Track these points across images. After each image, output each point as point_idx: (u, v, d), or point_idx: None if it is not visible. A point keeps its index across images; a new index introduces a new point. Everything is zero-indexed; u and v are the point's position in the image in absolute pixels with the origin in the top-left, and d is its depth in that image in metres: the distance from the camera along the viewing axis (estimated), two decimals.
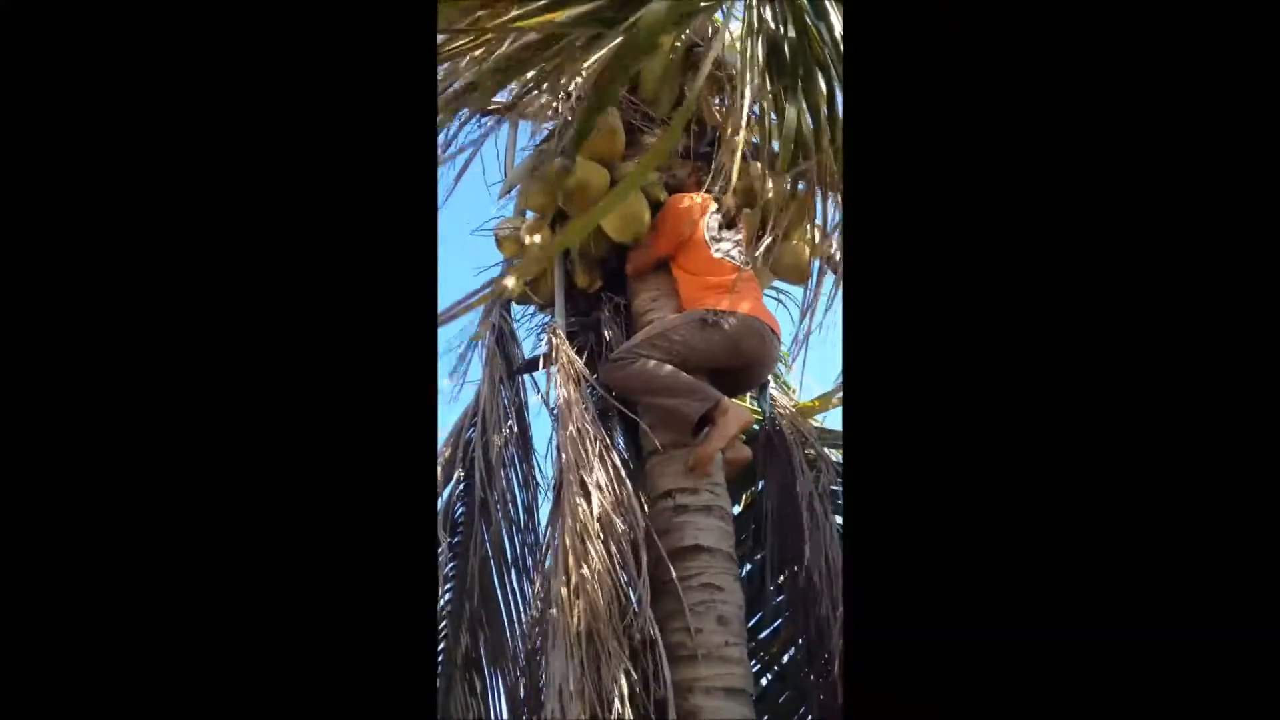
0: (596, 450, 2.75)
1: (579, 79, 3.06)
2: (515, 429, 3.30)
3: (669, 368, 2.86)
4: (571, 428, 2.79)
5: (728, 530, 2.91)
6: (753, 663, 3.03)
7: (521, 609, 3.05)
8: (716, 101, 3.43)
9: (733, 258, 3.11)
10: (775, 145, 3.16)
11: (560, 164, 3.12)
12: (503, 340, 3.49)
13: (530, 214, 3.43)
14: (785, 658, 3.56)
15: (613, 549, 2.56)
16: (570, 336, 3.14)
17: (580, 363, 3.01)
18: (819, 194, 3.12)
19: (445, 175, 3.53)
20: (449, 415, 3.55)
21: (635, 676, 2.42)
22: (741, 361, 3.01)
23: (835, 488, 3.60)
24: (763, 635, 3.57)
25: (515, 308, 3.63)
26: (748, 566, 3.52)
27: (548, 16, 1.49)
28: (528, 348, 3.56)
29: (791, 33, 1.75)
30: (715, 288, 3.00)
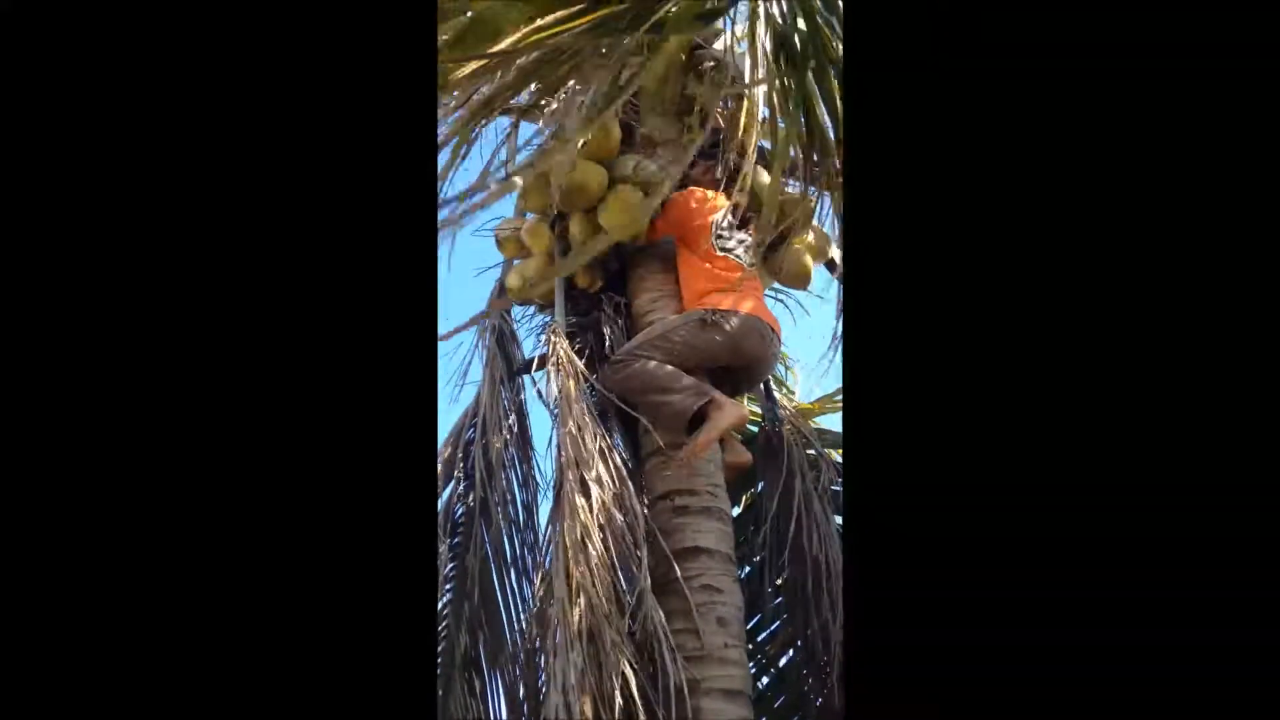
0: (596, 448, 2.75)
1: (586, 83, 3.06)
2: (515, 429, 3.30)
3: (669, 367, 2.86)
4: (571, 426, 2.79)
5: (727, 532, 2.91)
6: (751, 663, 3.03)
7: (521, 609, 3.05)
8: (720, 107, 3.44)
9: (738, 257, 3.12)
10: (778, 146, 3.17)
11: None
12: (503, 340, 3.49)
13: (530, 215, 3.44)
14: (784, 659, 3.56)
15: (613, 547, 2.55)
16: (570, 337, 3.14)
17: (580, 363, 3.01)
18: (828, 196, 3.13)
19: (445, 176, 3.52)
20: (449, 416, 3.55)
21: (637, 674, 2.42)
22: (742, 361, 3.01)
23: (835, 488, 3.60)
24: (761, 637, 3.58)
25: (515, 308, 3.63)
26: (747, 568, 3.52)
27: (564, 27, 1.49)
28: (528, 348, 3.57)
29: (802, 25, 1.75)
30: (718, 281, 3.00)
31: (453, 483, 3.21)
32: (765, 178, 3.21)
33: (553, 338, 3.07)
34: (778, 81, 1.90)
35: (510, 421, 3.28)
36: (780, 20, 1.82)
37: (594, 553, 2.50)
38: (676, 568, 2.71)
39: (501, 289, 3.58)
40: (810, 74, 1.81)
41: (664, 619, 2.56)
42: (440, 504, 3.14)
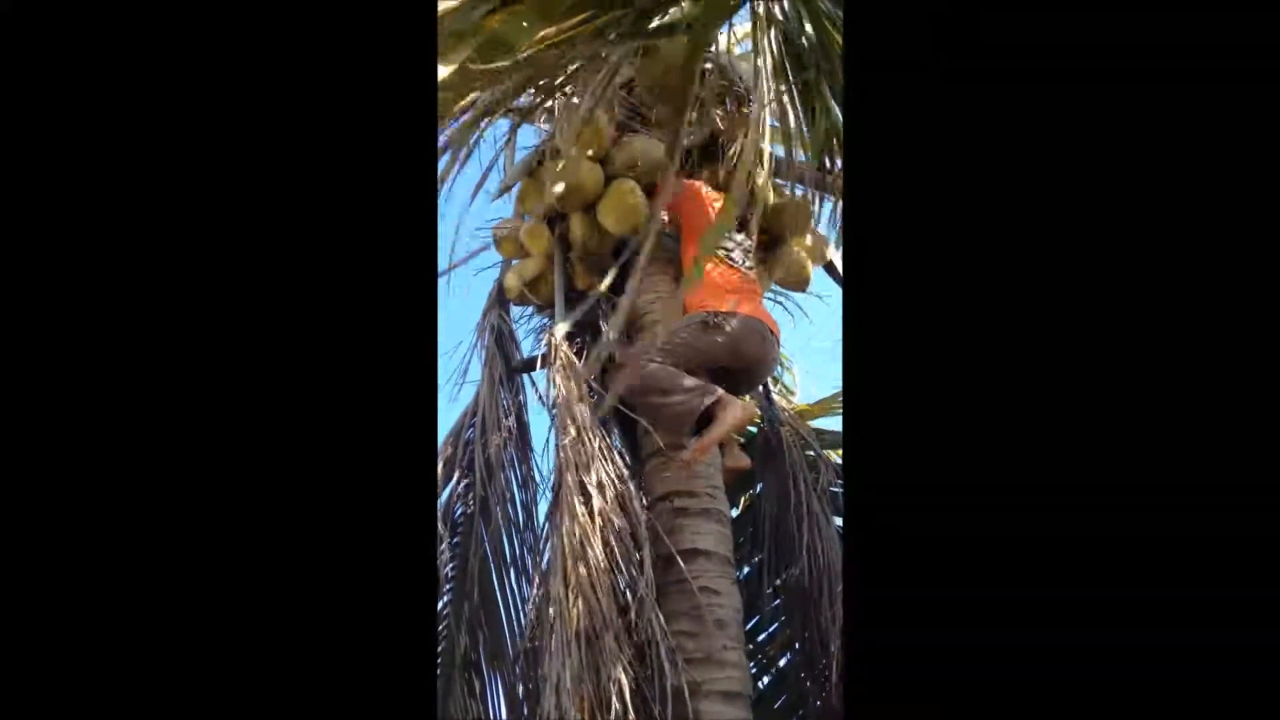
0: (596, 446, 2.75)
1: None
2: (514, 429, 3.30)
3: (670, 369, 2.87)
4: (570, 428, 2.79)
5: (726, 534, 2.92)
6: (750, 665, 3.03)
7: (521, 609, 3.05)
8: (720, 112, 3.45)
9: (733, 260, 3.12)
10: (784, 149, 3.18)
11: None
12: (501, 341, 3.49)
13: (528, 216, 3.44)
14: (783, 660, 3.56)
15: (612, 548, 2.55)
16: (568, 337, 3.14)
17: (578, 363, 3.01)
18: (828, 198, 3.14)
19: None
20: (449, 415, 3.55)
21: (634, 676, 2.42)
22: (742, 363, 3.02)
23: (834, 489, 3.60)
24: (760, 638, 3.58)
25: (514, 308, 3.64)
26: (745, 569, 3.53)
27: (573, 33, 1.50)
28: (526, 348, 3.57)
29: (809, 29, 1.76)
30: (719, 289, 3.01)
31: (452, 482, 3.21)
32: (762, 179, 3.22)
33: (553, 340, 3.07)
34: (782, 84, 1.91)
35: (509, 421, 3.28)
36: (785, 21, 1.82)
37: (593, 556, 2.50)
38: (675, 570, 2.71)
39: (500, 289, 3.59)
40: (816, 76, 1.82)
41: (663, 621, 2.56)
42: (440, 504, 3.14)
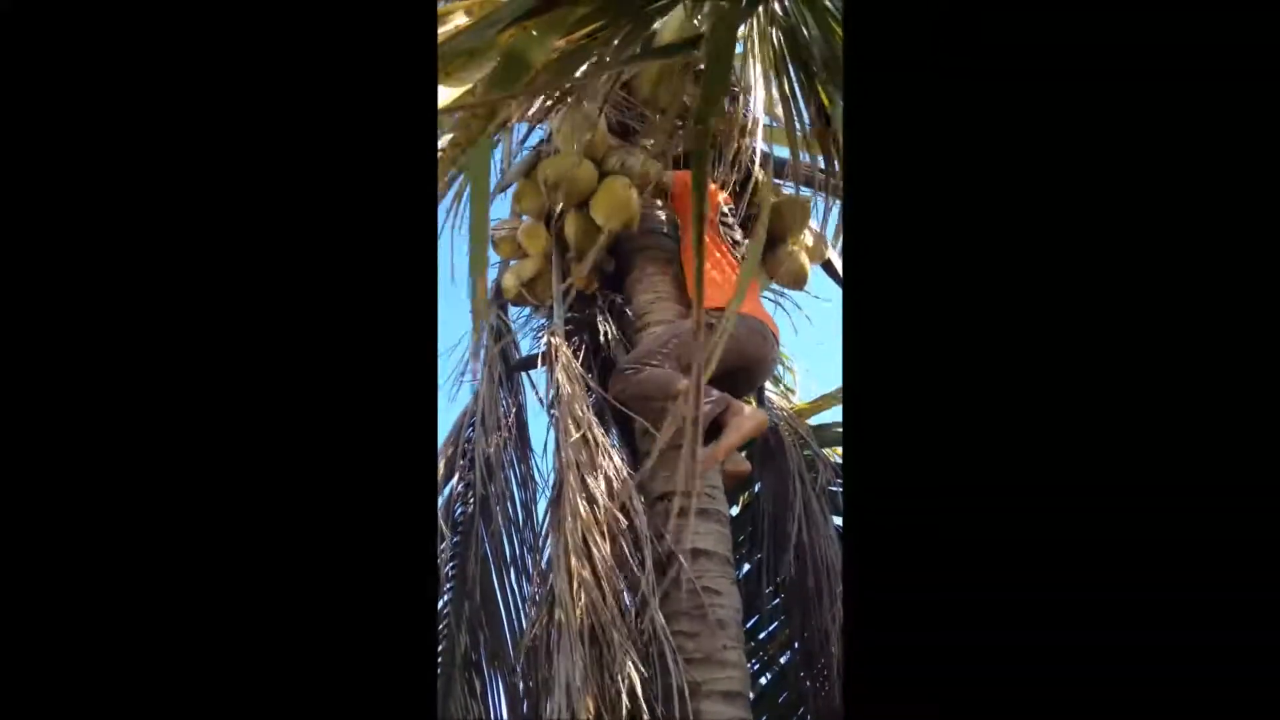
0: (595, 440, 2.75)
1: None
2: (514, 429, 3.31)
3: (672, 374, 2.86)
4: (570, 428, 2.79)
5: (725, 534, 2.91)
6: (751, 663, 3.03)
7: (521, 608, 3.05)
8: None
9: (735, 255, 3.13)
10: (784, 148, 3.18)
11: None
12: (500, 339, 3.49)
13: (525, 216, 3.45)
14: (783, 659, 3.57)
15: (620, 543, 2.56)
16: (566, 336, 3.15)
17: (577, 363, 3.01)
18: (826, 196, 3.14)
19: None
20: (448, 415, 3.55)
21: (642, 675, 2.42)
22: (744, 362, 3.01)
23: (833, 488, 3.60)
24: (761, 637, 3.58)
25: (512, 307, 3.63)
26: (745, 567, 3.53)
27: (586, 42, 1.51)
28: (525, 348, 3.57)
29: (814, 28, 1.76)
30: (720, 286, 3.00)
31: (452, 482, 3.21)
32: (762, 178, 3.23)
33: (552, 340, 3.07)
34: (784, 82, 1.91)
35: (509, 421, 3.28)
36: (786, 18, 1.83)
37: (596, 555, 2.50)
38: (674, 569, 2.71)
39: (498, 289, 3.59)
40: (818, 74, 1.82)
41: (665, 621, 2.57)
42: (439, 503, 3.14)
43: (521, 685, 2.91)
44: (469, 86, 1.45)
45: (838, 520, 3.48)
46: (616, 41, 1.59)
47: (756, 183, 3.19)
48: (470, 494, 3.14)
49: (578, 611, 2.43)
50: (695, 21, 2.32)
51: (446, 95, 1.43)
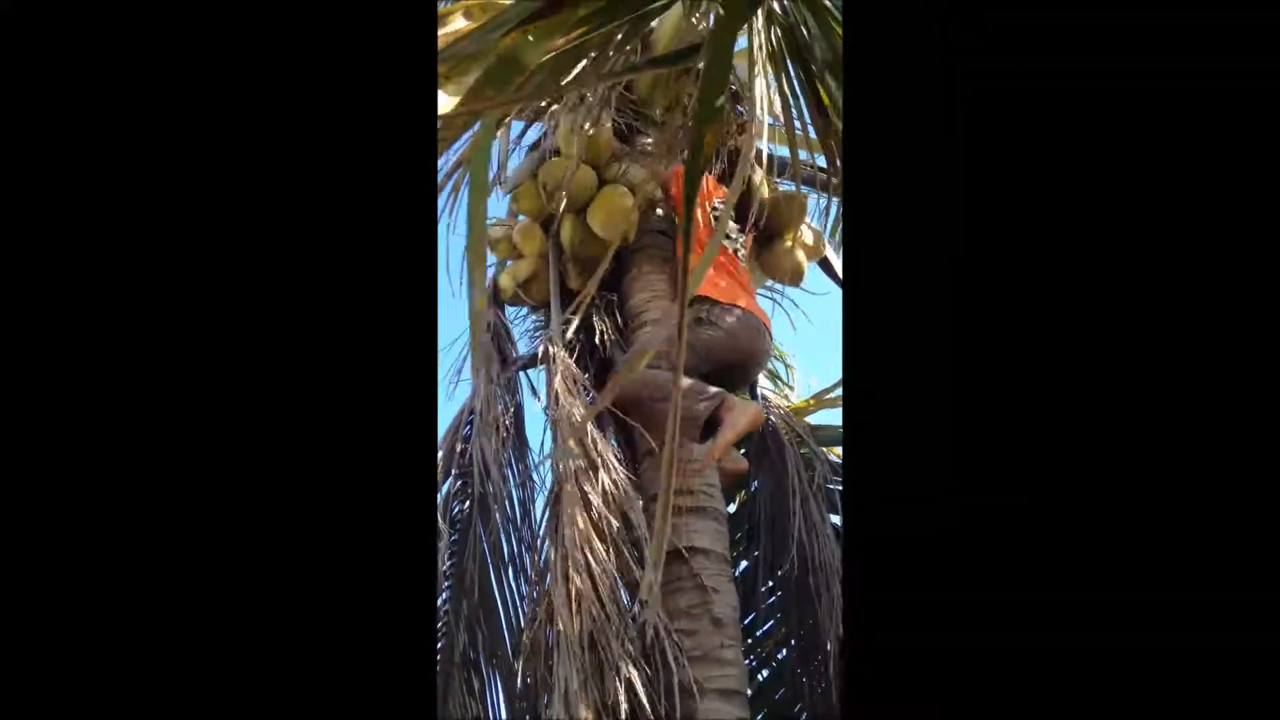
0: (593, 456, 2.74)
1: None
2: (512, 428, 3.30)
3: (667, 373, 2.86)
4: (567, 430, 2.78)
5: (722, 531, 2.92)
6: (748, 660, 3.03)
7: (520, 607, 3.05)
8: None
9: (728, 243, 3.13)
10: (779, 146, 3.19)
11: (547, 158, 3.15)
12: (498, 338, 3.49)
13: (522, 217, 3.44)
14: (780, 656, 3.57)
15: (620, 550, 2.56)
16: (561, 335, 3.15)
17: (573, 366, 3.01)
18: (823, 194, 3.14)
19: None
20: (445, 413, 3.55)
21: (642, 674, 2.42)
22: (739, 357, 3.01)
23: (830, 486, 3.61)
24: (758, 634, 3.58)
25: (509, 306, 3.63)
26: (743, 565, 3.53)
27: (577, 42, 1.50)
28: (523, 347, 3.57)
29: (814, 27, 1.76)
30: (711, 280, 3.00)
31: (449, 480, 3.21)
32: (759, 175, 3.22)
33: (548, 345, 3.07)
34: (783, 81, 1.91)
35: (506, 419, 3.28)
36: (785, 16, 1.82)
37: (593, 563, 2.50)
38: (672, 568, 2.71)
39: (495, 289, 3.59)
40: (818, 72, 1.82)
41: (667, 620, 2.57)
42: (438, 502, 3.14)
43: (519, 684, 2.90)
44: (464, 91, 1.45)
45: (835, 519, 3.49)
46: (613, 42, 1.59)
47: (749, 179, 3.19)
48: (468, 492, 3.14)
49: (577, 622, 2.43)
50: (693, 20, 2.32)
51: (447, 100, 1.43)
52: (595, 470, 2.70)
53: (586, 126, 2.96)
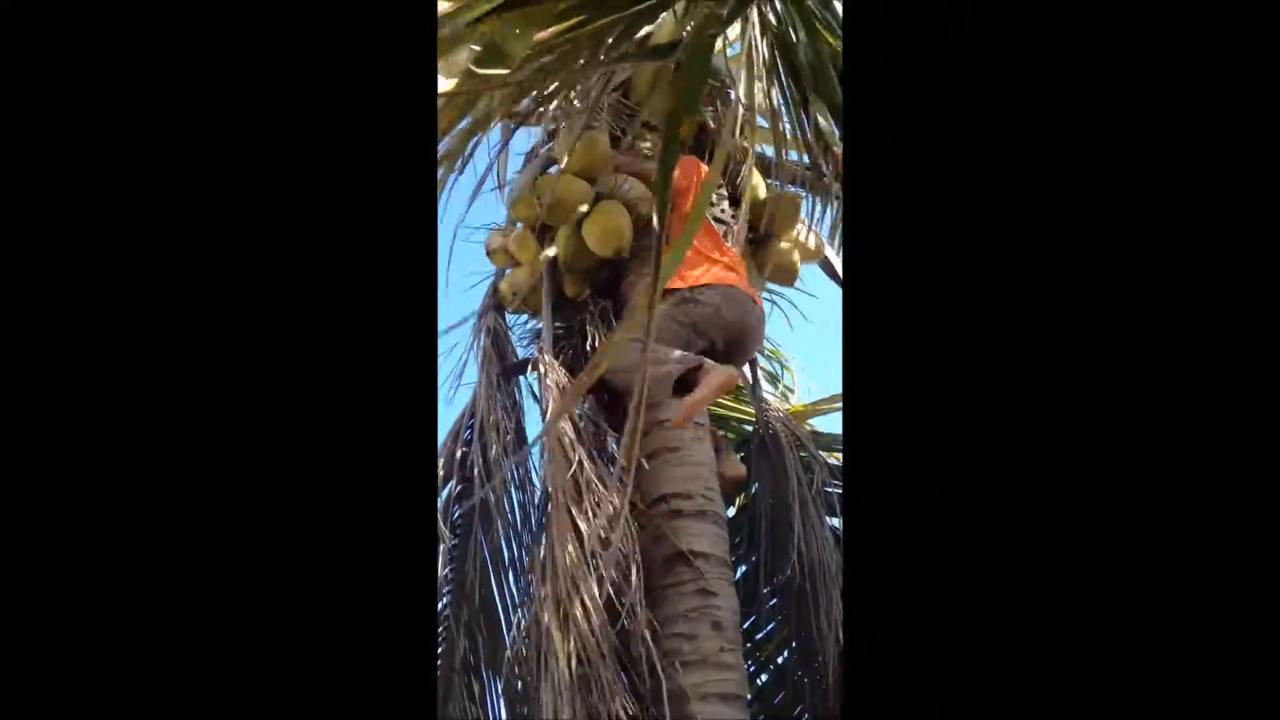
0: (585, 479, 2.74)
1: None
2: (511, 433, 3.30)
3: (661, 348, 2.84)
4: (560, 452, 2.79)
5: (722, 535, 2.92)
6: (748, 663, 3.03)
7: (520, 612, 3.05)
8: (710, 109, 3.45)
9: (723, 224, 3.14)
10: (773, 150, 3.19)
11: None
12: (498, 342, 3.49)
13: (519, 225, 3.44)
14: (780, 659, 3.57)
15: (605, 574, 2.56)
16: (555, 341, 3.15)
17: (564, 374, 3.01)
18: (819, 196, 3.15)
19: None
20: (445, 417, 3.55)
21: (631, 699, 2.43)
22: (726, 330, 2.99)
23: (829, 490, 3.61)
24: (758, 637, 3.58)
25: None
26: (742, 569, 3.53)
27: (567, 38, 1.50)
28: (522, 351, 3.57)
29: (803, 34, 1.77)
30: (691, 260, 2.99)
31: (450, 484, 3.21)
32: (756, 177, 3.23)
33: (541, 363, 3.06)
34: (773, 86, 1.91)
35: (507, 423, 3.28)
36: (778, 25, 1.83)
37: (584, 592, 2.51)
38: (672, 573, 2.71)
39: (495, 291, 3.59)
40: (809, 78, 1.83)
41: (659, 629, 2.57)
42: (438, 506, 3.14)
43: (519, 686, 2.90)
44: (454, 79, 1.46)
45: (834, 521, 3.49)
46: (604, 44, 1.59)
47: (745, 179, 3.20)
48: (467, 497, 3.14)
49: (566, 650, 2.43)
50: (689, 29, 2.32)
51: (442, 83, 1.44)
52: (584, 503, 2.70)
53: (582, 129, 2.95)
